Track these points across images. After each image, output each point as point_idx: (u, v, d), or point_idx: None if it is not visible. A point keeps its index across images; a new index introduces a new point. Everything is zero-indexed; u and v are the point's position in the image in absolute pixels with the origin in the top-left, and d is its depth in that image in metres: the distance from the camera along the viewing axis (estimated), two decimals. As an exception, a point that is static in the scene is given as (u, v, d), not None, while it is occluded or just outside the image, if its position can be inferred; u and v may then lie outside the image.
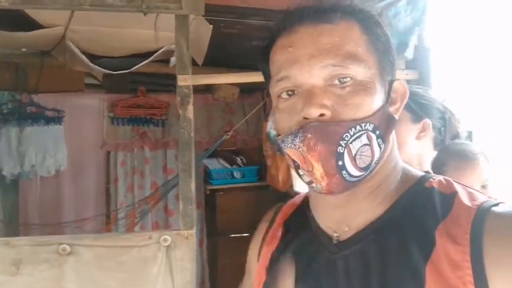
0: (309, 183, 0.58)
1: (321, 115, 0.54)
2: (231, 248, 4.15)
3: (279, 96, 0.60)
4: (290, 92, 0.59)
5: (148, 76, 3.94)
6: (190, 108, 1.82)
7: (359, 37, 0.57)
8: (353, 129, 0.53)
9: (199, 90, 4.45)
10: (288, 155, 0.58)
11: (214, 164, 4.12)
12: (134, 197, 4.02)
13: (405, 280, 0.50)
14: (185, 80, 1.78)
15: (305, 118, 0.55)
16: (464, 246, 0.48)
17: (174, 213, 4.29)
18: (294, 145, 0.56)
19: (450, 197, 0.54)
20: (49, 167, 3.46)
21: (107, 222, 3.50)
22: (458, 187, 0.56)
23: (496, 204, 0.52)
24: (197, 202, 4.41)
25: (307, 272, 0.62)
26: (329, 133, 0.53)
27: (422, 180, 0.59)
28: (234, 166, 4.24)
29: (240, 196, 4.25)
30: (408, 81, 1.90)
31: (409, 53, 1.74)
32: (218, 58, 3.35)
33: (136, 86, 4.16)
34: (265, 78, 0.68)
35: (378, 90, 0.57)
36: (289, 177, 3.89)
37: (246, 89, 4.19)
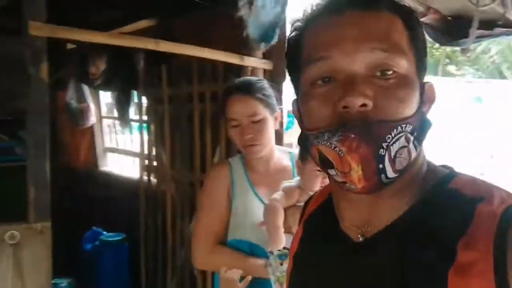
0: (342, 183, 0.54)
1: (363, 105, 0.50)
2: None
3: (313, 82, 0.55)
4: (326, 79, 0.54)
5: None
6: (44, 67, 1.41)
7: (402, 31, 0.55)
8: (395, 130, 0.50)
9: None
10: (319, 152, 0.54)
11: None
12: None
13: (426, 282, 0.50)
14: (40, 29, 1.36)
15: (344, 107, 0.51)
16: (488, 253, 0.47)
17: None
18: (331, 143, 0.51)
19: (473, 201, 0.52)
20: None
21: None
22: (482, 187, 0.54)
23: None
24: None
25: (329, 273, 0.61)
26: (372, 133, 0.50)
27: (446, 179, 0.57)
28: (17, 140, 3.45)
29: (19, 178, 3.51)
30: (264, 71, 2.06)
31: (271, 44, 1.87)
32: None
33: None
34: (291, 62, 0.62)
35: (417, 88, 0.54)
36: (91, 155, 3.50)
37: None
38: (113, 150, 3.52)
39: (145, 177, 2.73)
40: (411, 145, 0.52)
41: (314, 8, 0.58)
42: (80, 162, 3.40)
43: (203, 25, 2.32)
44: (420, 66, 0.56)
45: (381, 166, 0.50)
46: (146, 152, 2.71)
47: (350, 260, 0.58)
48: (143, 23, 2.78)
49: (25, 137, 3.50)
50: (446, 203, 0.53)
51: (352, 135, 0.49)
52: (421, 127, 0.54)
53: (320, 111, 0.53)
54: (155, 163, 2.64)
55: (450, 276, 0.48)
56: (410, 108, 0.52)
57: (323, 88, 0.54)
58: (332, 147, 0.51)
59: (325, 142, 0.52)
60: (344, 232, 0.60)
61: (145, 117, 2.72)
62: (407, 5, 0.58)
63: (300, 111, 0.59)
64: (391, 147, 0.50)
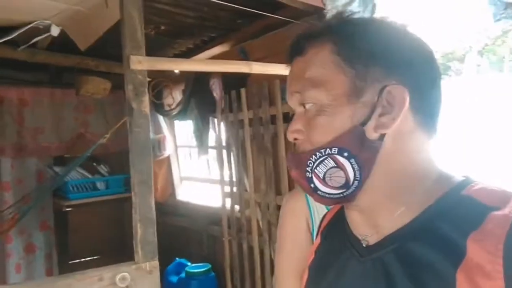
0: None
1: (295, 139, 0.61)
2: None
3: (292, 115, 0.66)
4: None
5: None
6: (146, 101, 1.38)
7: (327, 58, 0.58)
8: (314, 156, 0.58)
9: (42, 82, 3.60)
10: None
11: (71, 175, 3.36)
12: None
13: (435, 282, 0.50)
14: (140, 63, 1.34)
15: None
16: (497, 256, 0.47)
17: (13, 239, 3.32)
18: None
19: (487, 207, 0.52)
20: None
21: None
22: (498, 195, 0.54)
23: None
24: (42, 222, 3.56)
25: (341, 276, 0.64)
26: (297, 161, 0.60)
27: (460, 186, 0.57)
28: (96, 176, 3.57)
29: (101, 211, 3.61)
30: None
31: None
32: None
33: None
34: None
35: (344, 111, 0.57)
36: (168, 185, 3.52)
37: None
38: (189, 178, 3.52)
39: (227, 204, 2.66)
40: (346, 164, 0.57)
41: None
42: (157, 193, 3.42)
43: (277, 43, 2.25)
44: (366, 78, 0.56)
45: (312, 185, 0.59)
46: (227, 178, 2.65)
47: (359, 266, 0.60)
48: (216, 50, 2.77)
49: (104, 172, 3.61)
50: (457, 208, 0.54)
51: (288, 163, 0.63)
52: (358, 144, 0.56)
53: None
54: (235, 189, 2.57)
55: (459, 276, 0.49)
56: (333, 132, 0.57)
57: None
58: None
59: None
60: (356, 237, 0.63)
61: (223, 143, 2.67)
62: (344, 24, 0.60)
63: None
64: (316, 169, 0.58)
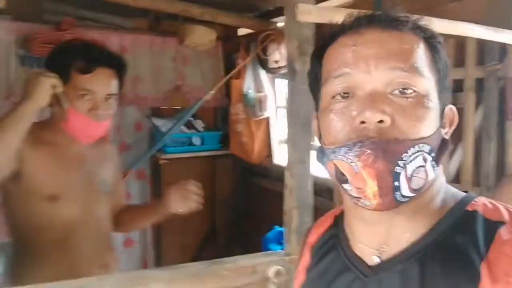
0: (356, 199, 0.54)
1: (380, 121, 0.51)
2: (177, 226, 3.51)
3: (332, 97, 0.57)
4: (345, 94, 0.56)
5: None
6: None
7: (424, 53, 0.56)
8: (412, 149, 0.51)
9: (140, 29, 3.48)
10: (335, 166, 0.55)
11: (168, 127, 3.29)
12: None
13: None
14: (309, 14, 1.07)
15: (362, 122, 0.52)
16: (510, 283, 0.47)
17: (132, 196, 3.39)
18: (347, 158, 0.53)
19: (494, 224, 0.52)
20: None
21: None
22: (502, 211, 0.54)
23: None
24: (138, 172, 3.59)
25: None
26: (389, 151, 0.51)
27: (464, 201, 0.57)
28: (192, 131, 3.48)
29: (194, 166, 3.55)
30: None
31: None
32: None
33: (53, 17, 3.01)
34: (312, 78, 0.63)
35: (436, 109, 0.55)
36: (266, 147, 3.33)
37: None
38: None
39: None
40: (428, 165, 0.53)
41: (337, 26, 0.59)
42: (253, 153, 3.25)
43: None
44: (442, 88, 0.57)
45: (396, 183, 0.51)
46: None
47: (366, 285, 0.56)
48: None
49: (199, 128, 3.51)
50: (466, 225, 0.54)
51: (369, 151, 0.51)
52: (439, 148, 0.55)
53: (338, 125, 0.55)
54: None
55: None
56: (428, 128, 0.54)
57: (342, 103, 0.55)
58: (348, 162, 0.52)
59: (341, 157, 0.53)
60: (357, 256, 0.59)
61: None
62: (430, 28, 0.59)
63: (319, 127, 0.60)
64: (408, 165, 0.51)
